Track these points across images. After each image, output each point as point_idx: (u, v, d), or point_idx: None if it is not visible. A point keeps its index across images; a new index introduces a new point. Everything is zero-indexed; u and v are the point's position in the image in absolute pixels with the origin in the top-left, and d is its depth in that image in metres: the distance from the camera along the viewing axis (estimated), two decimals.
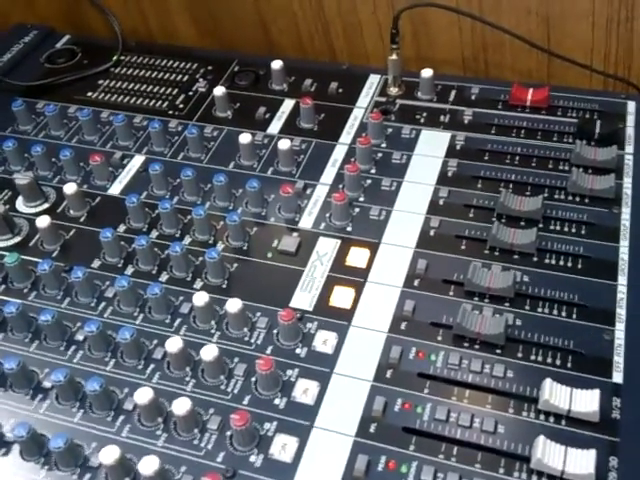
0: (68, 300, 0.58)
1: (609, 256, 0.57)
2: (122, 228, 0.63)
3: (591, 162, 0.64)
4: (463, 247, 0.59)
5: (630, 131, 0.67)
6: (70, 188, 0.64)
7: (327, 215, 0.63)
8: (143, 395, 0.48)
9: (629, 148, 0.66)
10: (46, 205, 0.66)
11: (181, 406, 0.48)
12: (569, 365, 0.51)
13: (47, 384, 0.52)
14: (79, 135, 0.73)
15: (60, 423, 0.50)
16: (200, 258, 0.60)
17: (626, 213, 0.60)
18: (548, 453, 0.46)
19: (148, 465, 0.45)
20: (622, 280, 0.56)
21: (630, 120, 0.68)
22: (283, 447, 0.48)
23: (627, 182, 0.63)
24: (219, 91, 0.73)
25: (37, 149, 0.68)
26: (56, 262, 0.59)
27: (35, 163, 0.69)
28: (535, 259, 0.57)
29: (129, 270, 0.60)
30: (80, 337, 0.55)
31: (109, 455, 0.45)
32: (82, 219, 0.65)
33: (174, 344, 0.51)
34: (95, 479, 0.47)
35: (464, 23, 0.79)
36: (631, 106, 0.70)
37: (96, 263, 0.61)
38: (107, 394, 0.50)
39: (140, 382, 0.52)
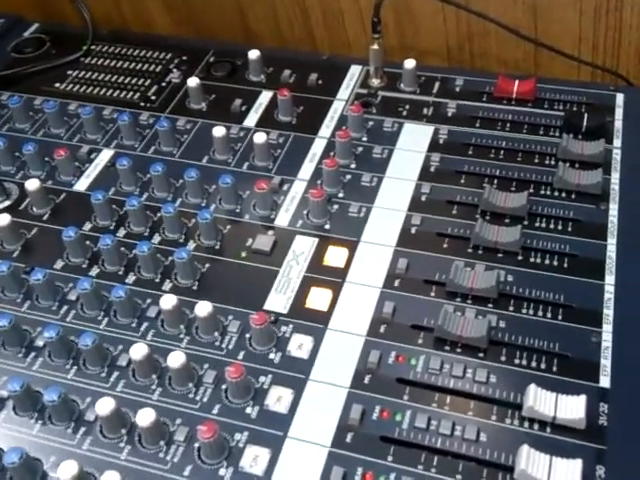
0: (28, 303, 0.55)
1: (596, 254, 0.55)
2: (88, 226, 0.60)
3: (578, 156, 0.62)
4: (445, 245, 0.57)
5: (618, 124, 0.65)
6: (32, 184, 0.61)
7: (304, 212, 0.60)
8: (105, 405, 0.46)
9: (617, 142, 0.64)
10: (7, 202, 0.63)
11: (145, 417, 0.45)
12: (554, 369, 0.49)
13: (3, 393, 0.49)
14: (45, 128, 0.70)
15: (17, 435, 0.48)
16: (170, 258, 0.57)
17: (614, 209, 0.58)
18: (532, 463, 0.44)
19: None
20: (610, 279, 0.54)
21: (618, 113, 0.66)
22: (254, 459, 0.46)
23: (615, 177, 0.61)
24: (193, 82, 0.70)
25: None
26: (17, 263, 0.56)
27: None
28: (520, 258, 0.55)
29: (94, 271, 0.57)
30: (40, 343, 0.52)
31: (67, 471, 0.43)
32: (45, 217, 0.62)
33: (139, 351, 0.48)
34: None
35: (449, 11, 0.77)
36: (619, 98, 0.68)
37: (59, 264, 0.58)
38: (67, 404, 0.48)
39: (103, 391, 0.49)
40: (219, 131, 0.64)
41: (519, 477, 0.44)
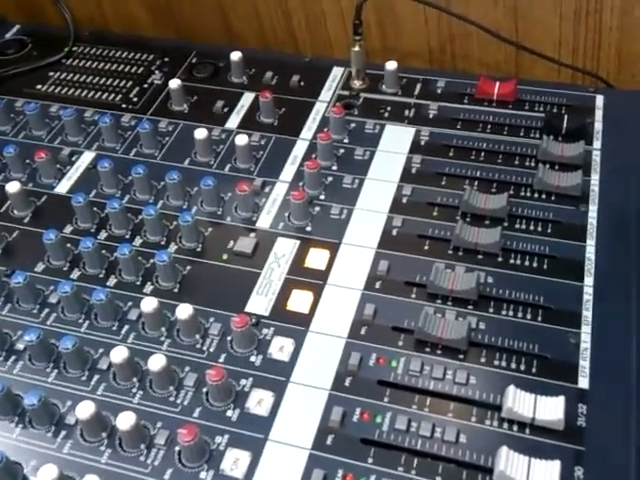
0: (9, 307, 0.55)
1: (575, 256, 0.56)
2: (69, 229, 0.60)
3: (558, 158, 0.62)
4: (426, 247, 0.57)
5: (598, 126, 0.66)
6: (13, 187, 0.60)
7: (286, 214, 0.60)
8: (85, 409, 0.45)
9: (597, 144, 0.64)
10: None
11: (126, 420, 0.45)
12: (534, 370, 0.49)
13: None
14: (26, 130, 0.70)
15: None
16: (151, 260, 0.57)
17: (593, 211, 0.59)
18: (511, 464, 0.44)
19: None
20: (588, 281, 0.54)
21: (598, 115, 0.67)
22: (235, 462, 0.46)
23: (594, 179, 0.61)
24: (175, 83, 0.70)
25: None
26: None
27: None
28: (500, 259, 0.56)
29: (75, 274, 0.57)
30: (20, 346, 0.52)
31: (47, 474, 0.42)
32: (26, 220, 0.62)
33: (119, 354, 0.48)
34: None
35: (430, 13, 0.77)
36: (599, 100, 0.68)
37: (40, 267, 0.57)
38: (47, 408, 0.47)
39: (83, 394, 0.49)
40: (201, 133, 0.64)
41: (498, 478, 0.44)
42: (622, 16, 0.73)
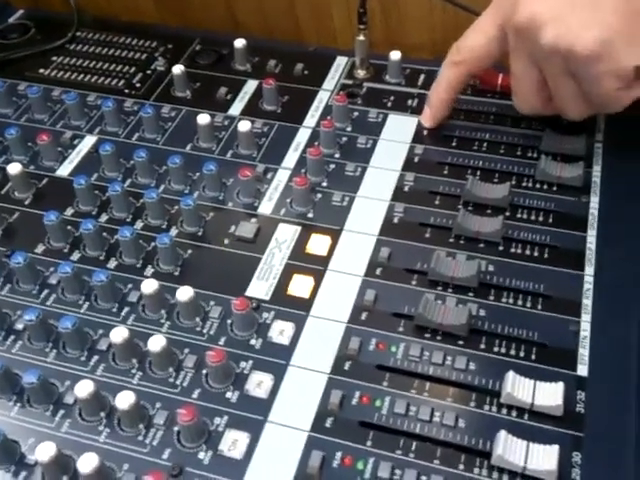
0: (8, 287, 0.55)
1: (576, 245, 0.56)
2: (70, 211, 0.60)
3: (560, 149, 0.62)
4: (427, 235, 0.57)
5: (600, 118, 0.65)
6: (14, 168, 0.60)
7: (288, 200, 0.60)
8: (84, 388, 0.45)
9: (599, 135, 0.64)
10: None
11: (125, 400, 0.45)
12: (533, 357, 0.49)
13: None
14: (28, 114, 0.70)
15: None
16: (152, 244, 0.57)
17: (595, 202, 0.59)
18: (509, 449, 0.44)
19: (87, 462, 0.42)
20: (589, 270, 0.54)
21: None
22: (234, 443, 0.46)
23: (596, 170, 0.61)
24: (178, 69, 0.70)
25: None
26: None
27: None
28: (501, 248, 0.56)
29: (75, 256, 0.57)
30: (19, 326, 0.52)
31: (45, 452, 0.42)
32: (27, 201, 0.61)
33: (119, 334, 0.48)
34: (31, 477, 0.45)
35: (435, 3, 0.77)
36: None
37: (40, 248, 0.57)
38: (46, 387, 0.47)
39: (82, 374, 0.49)
40: (203, 119, 0.64)
41: (496, 462, 0.44)
42: None
